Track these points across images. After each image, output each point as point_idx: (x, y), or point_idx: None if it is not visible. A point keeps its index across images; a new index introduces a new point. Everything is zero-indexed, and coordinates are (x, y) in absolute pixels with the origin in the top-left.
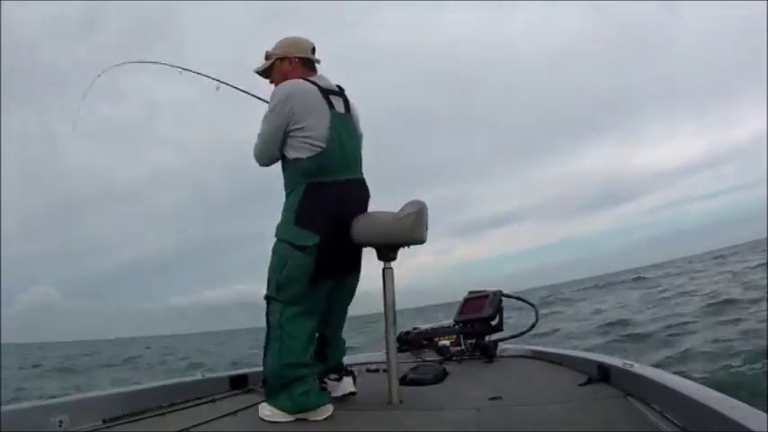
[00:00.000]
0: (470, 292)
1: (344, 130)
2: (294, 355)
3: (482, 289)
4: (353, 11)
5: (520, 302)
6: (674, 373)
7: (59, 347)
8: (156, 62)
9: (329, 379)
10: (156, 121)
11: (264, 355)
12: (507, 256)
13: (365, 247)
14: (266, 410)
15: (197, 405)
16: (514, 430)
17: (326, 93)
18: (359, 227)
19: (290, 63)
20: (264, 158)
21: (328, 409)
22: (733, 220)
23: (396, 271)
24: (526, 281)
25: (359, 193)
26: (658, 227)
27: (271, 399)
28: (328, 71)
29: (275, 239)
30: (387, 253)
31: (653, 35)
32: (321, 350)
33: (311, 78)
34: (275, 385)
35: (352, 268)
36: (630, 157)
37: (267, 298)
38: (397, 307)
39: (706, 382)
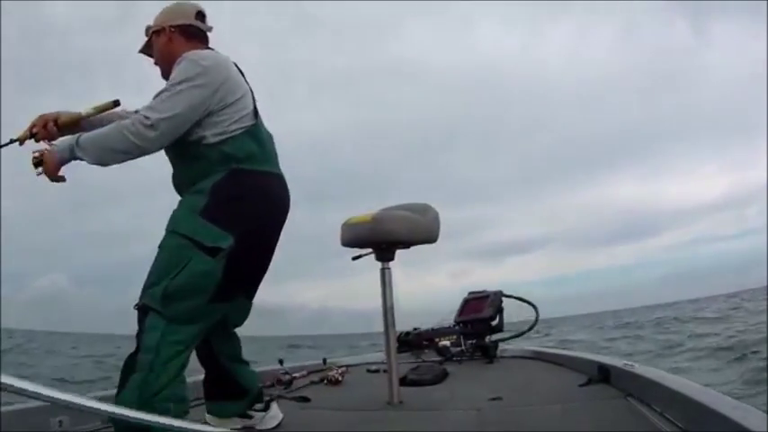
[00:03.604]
0: (470, 293)
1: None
2: (162, 386)
3: (483, 290)
4: (380, 25)
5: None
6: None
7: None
8: None
9: (254, 410)
10: None
11: (120, 389)
12: (524, 283)
13: (382, 244)
14: None
15: (197, 406)
16: (515, 431)
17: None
18: (383, 221)
19: (166, 35)
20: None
21: None
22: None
23: (410, 288)
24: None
25: (282, 190)
26: (675, 264)
27: None
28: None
29: (167, 233)
30: (390, 252)
31: (683, 68)
32: (233, 385)
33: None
34: None
35: (252, 294)
36: (652, 191)
37: (144, 308)
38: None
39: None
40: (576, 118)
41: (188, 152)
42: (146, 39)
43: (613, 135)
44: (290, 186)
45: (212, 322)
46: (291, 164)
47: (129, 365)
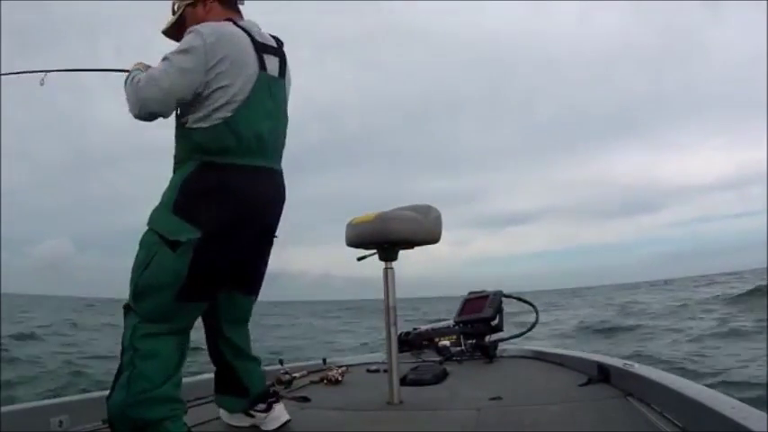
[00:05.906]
0: (470, 293)
1: (270, 100)
2: (150, 383)
3: (482, 290)
4: None
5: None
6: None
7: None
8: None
9: (256, 410)
10: None
11: (110, 393)
12: (522, 256)
13: (384, 244)
14: None
15: (197, 405)
16: (514, 430)
17: (260, 48)
18: (386, 221)
19: (205, 5)
20: (154, 109)
21: None
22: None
23: (409, 253)
24: (537, 283)
25: (272, 187)
26: (677, 243)
27: None
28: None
29: (146, 229)
30: (393, 252)
31: (694, 41)
32: (236, 382)
33: (240, 23)
34: None
35: (249, 289)
36: (657, 166)
37: (126, 307)
38: (410, 295)
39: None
40: (579, 90)
41: (177, 130)
42: (173, 17)
43: (617, 109)
44: (298, 153)
45: (188, 322)
46: (298, 130)
47: (119, 367)
